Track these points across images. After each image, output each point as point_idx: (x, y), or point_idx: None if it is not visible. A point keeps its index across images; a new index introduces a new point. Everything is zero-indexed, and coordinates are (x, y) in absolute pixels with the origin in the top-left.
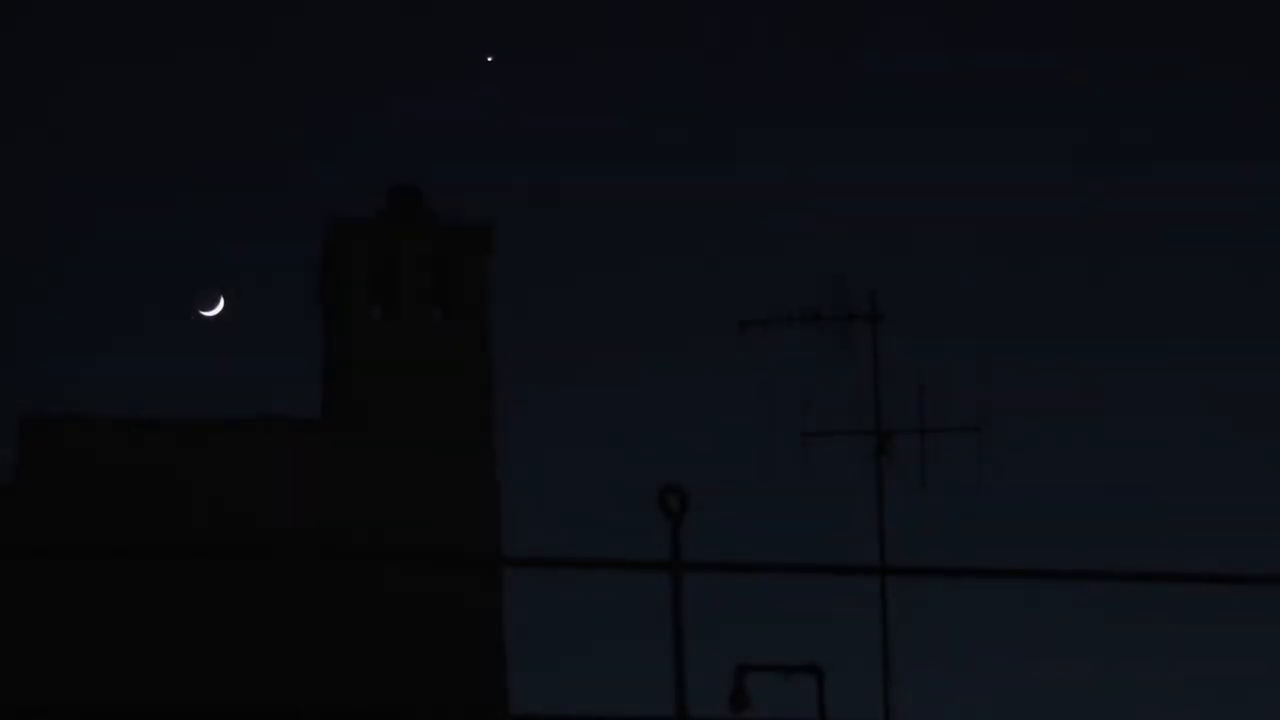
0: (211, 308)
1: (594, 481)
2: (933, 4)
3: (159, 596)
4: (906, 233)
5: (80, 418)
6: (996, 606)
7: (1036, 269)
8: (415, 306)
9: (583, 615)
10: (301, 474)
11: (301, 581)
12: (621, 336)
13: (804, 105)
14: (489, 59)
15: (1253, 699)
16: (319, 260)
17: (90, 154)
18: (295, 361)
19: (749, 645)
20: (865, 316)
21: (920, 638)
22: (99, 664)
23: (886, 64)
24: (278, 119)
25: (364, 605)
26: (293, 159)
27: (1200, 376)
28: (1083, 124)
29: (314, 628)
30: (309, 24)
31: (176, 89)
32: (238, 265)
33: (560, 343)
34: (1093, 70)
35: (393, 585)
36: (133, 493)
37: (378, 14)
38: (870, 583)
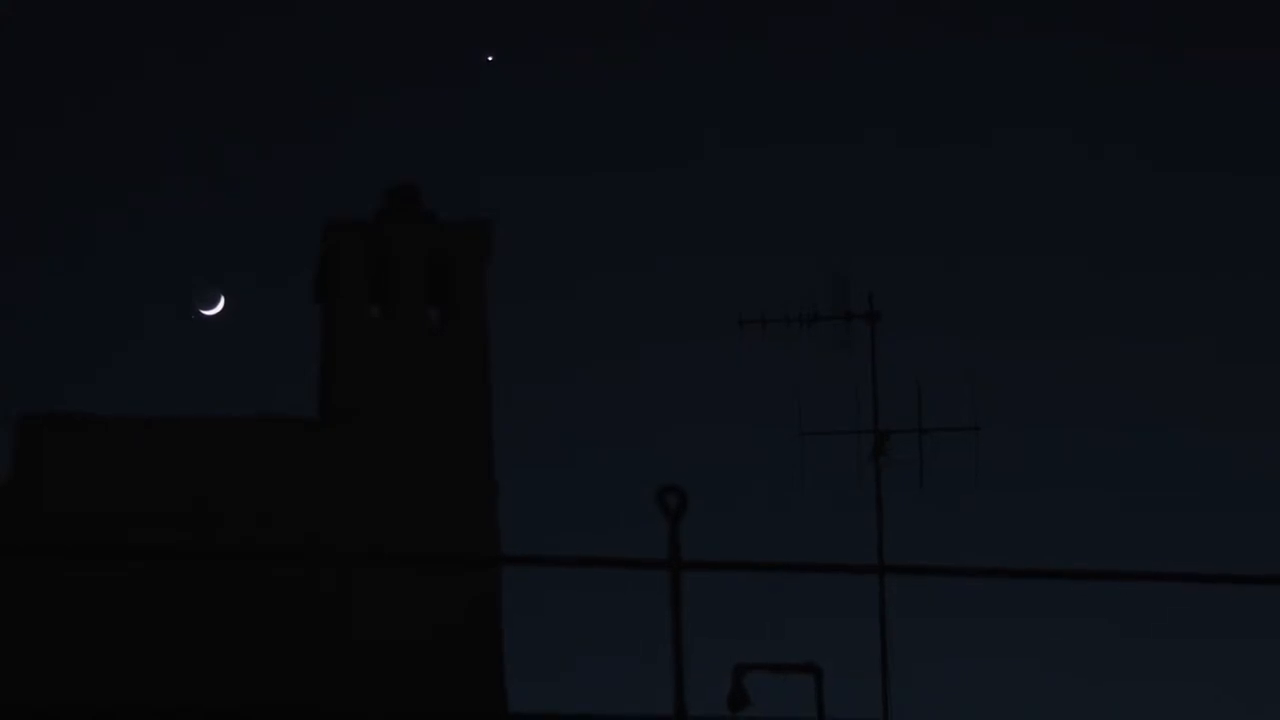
0: (211, 308)
1: (594, 481)
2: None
3: (158, 597)
4: (906, 232)
5: (80, 418)
6: (995, 605)
7: (1036, 268)
8: (413, 306)
9: (582, 614)
10: (300, 474)
11: (300, 582)
12: (621, 335)
13: (804, 104)
14: (489, 59)
15: (1253, 699)
16: (317, 260)
17: (90, 154)
18: (295, 361)
19: (747, 644)
20: (864, 316)
21: (919, 637)
22: (98, 664)
23: (885, 61)
24: (277, 118)
25: (362, 605)
26: (292, 159)
27: (1201, 376)
28: (1084, 123)
29: (312, 628)
30: (308, 24)
31: (176, 89)
32: (238, 265)
33: (560, 342)
34: (1092, 69)
35: (391, 585)
36: (132, 493)
37: (377, 13)
38: (869, 581)
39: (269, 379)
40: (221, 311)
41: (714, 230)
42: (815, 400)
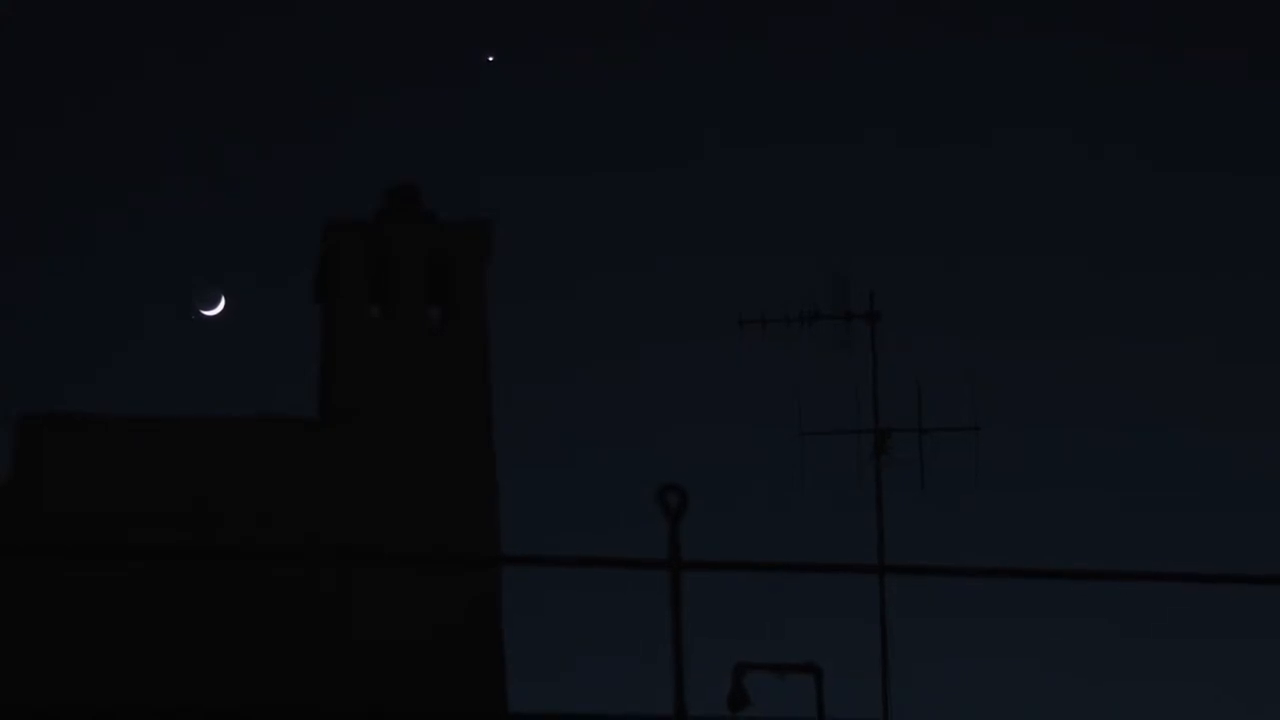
0: (212, 308)
1: (594, 481)
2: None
3: (158, 597)
4: (906, 232)
5: (80, 417)
6: (995, 605)
7: (1036, 269)
8: (413, 306)
9: (582, 614)
10: (300, 474)
11: (300, 582)
12: (621, 335)
13: (804, 104)
14: (489, 59)
15: (1253, 699)
16: (317, 260)
17: (90, 154)
18: (295, 361)
19: (747, 644)
20: (864, 315)
21: (919, 637)
22: (98, 664)
23: (885, 61)
24: (277, 118)
25: (362, 605)
26: (292, 159)
27: (1201, 376)
28: (1084, 123)
29: (312, 628)
30: (308, 24)
31: (176, 89)
32: (238, 265)
33: (560, 342)
34: (1092, 69)
35: (391, 585)
36: (132, 493)
37: (377, 13)
38: (869, 581)
39: (269, 379)
40: (221, 311)
41: (714, 230)
42: (815, 400)
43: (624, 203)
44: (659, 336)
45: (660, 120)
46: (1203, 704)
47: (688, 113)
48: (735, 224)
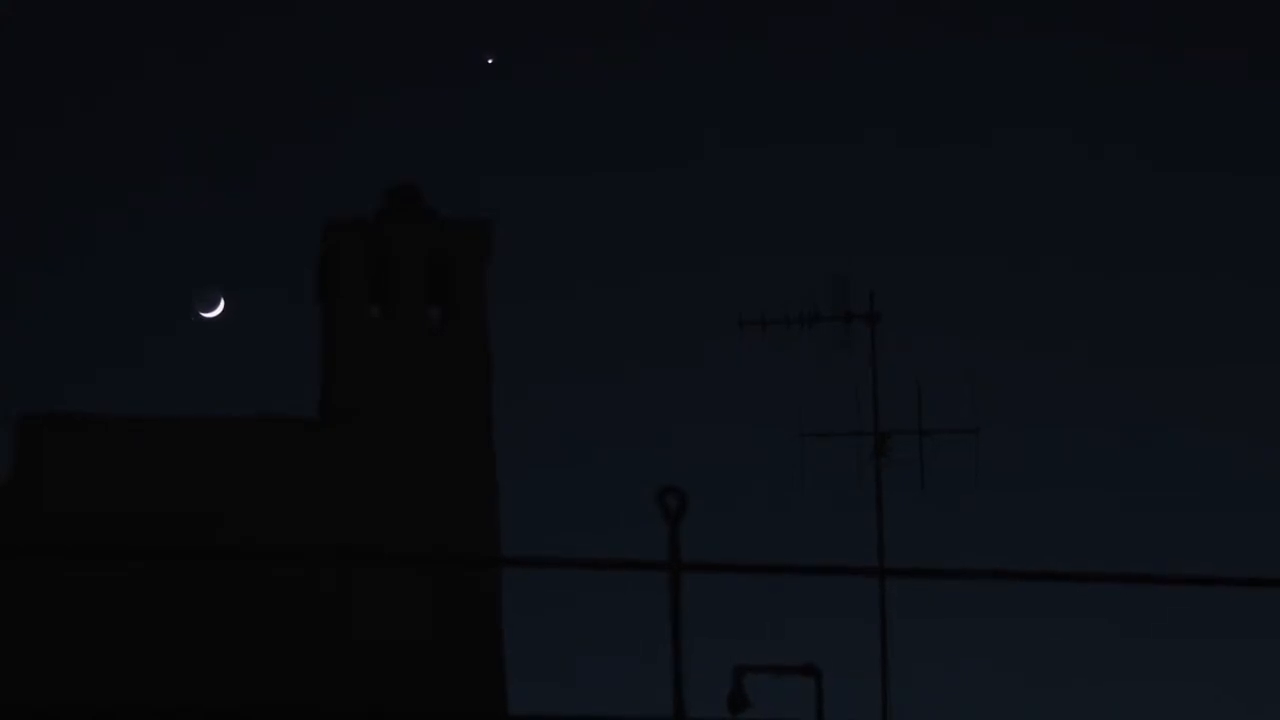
0: (211, 308)
1: (594, 481)
2: None
3: (158, 597)
4: (906, 232)
5: (80, 418)
6: (995, 606)
7: (1036, 269)
8: (413, 306)
9: (582, 614)
10: (300, 474)
11: (300, 582)
12: (621, 336)
13: (804, 104)
14: (489, 60)
15: (1253, 699)
16: (317, 259)
17: (90, 154)
18: (295, 361)
19: (747, 646)
20: (864, 316)
21: (919, 638)
22: (98, 664)
23: (885, 61)
24: (277, 118)
25: (362, 605)
26: (292, 159)
27: (1201, 376)
28: (1084, 123)
29: (312, 628)
30: (308, 24)
31: (176, 89)
32: (238, 265)
33: (560, 342)
34: (1092, 69)
35: (391, 585)
36: (132, 493)
37: (377, 13)
38: (869, 583)
39: (269, 379)
40: (221, 312)
41: (714, 230)
42: (815, 401)
43: (624, 203)
44: (659, 337)
45: (660, 120)
46: (1203, 704)
47: (688, 113)
48: (735, 224)
